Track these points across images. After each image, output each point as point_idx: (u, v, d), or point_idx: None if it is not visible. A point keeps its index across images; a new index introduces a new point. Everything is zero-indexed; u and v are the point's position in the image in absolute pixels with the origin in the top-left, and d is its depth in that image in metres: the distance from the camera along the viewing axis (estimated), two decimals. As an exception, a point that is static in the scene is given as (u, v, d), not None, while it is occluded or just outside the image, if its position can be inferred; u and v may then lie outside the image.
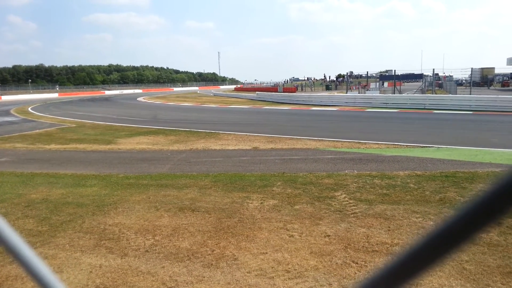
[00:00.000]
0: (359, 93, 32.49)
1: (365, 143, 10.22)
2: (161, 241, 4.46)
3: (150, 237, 4.58)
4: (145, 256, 4.09)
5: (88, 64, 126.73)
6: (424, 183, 6.24)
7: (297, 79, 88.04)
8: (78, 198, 6.23)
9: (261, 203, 5.64)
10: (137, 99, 46.52)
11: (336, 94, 33.60)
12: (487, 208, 0.29)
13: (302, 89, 51.77)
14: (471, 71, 27.47)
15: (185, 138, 12.45)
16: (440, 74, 47.34)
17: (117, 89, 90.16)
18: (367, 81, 35.31)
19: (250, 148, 10.23)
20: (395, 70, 31.02)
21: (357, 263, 3.77)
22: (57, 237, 4.67)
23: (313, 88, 54.68)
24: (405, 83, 45.13)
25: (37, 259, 0.50)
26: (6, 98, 59.54)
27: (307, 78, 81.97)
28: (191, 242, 4.38)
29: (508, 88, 37.97)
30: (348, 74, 47.21)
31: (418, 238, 0.31)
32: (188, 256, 4.05)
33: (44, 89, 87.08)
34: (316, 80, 77.84)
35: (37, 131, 16.00)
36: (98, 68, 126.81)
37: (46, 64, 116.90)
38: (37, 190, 6.78)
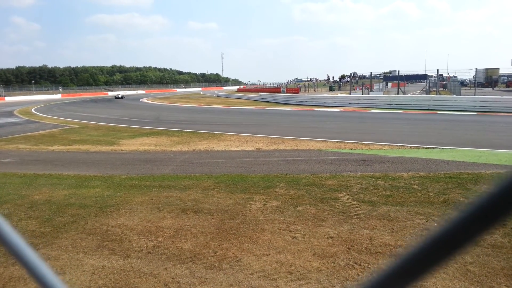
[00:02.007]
0: (362, 94, 32.40)
1: (368, 144, 10.18)
2: (163, 242, 4.45)
3: (152, 238, 4.58)
4: (148, 257, 4.09)
5: (91, 65, 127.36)
6: (428, 185, 6.20)
7: (300, 80, 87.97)
8: (81, 199, 6.25)
9: (264, 204, 5.63)
10: (140, 100, 46.67)
11: (339, 95, 33.54)
12: (489, 209, 0.28)
13: (305, 90, 51.72)
14: (476, 71, 27.36)
15: (188, 139, 12.46)
16: (444, 74, 47.31)
17: (120, 90, 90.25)
18: (370, 82, 35.22)
19: (253, 149, 10.22)
20: (398, 71, 31.05)
21: (360, 265, 3.75)
22: (60, 238, 4.68)
23: (316, 89, 54.63)
24: (409, 84, 45.01)
25: (40, 260, 0.50)
26: (9, 99, 59.89)
27: (310, 79, 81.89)
28: (193, 244, 4.38)
29: (512, 88, 37.75)
30: (352, 74, 47.12)
31: (421, 239, 0.31)
32: (190, 257, 4.04)
33: (48, 90, 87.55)
34: (320, 81, 77.81)
35: (40, 132, 16.08)
36: (101, 69, 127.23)
37: (50, 65, 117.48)
38: (40, 191, 6.80)
